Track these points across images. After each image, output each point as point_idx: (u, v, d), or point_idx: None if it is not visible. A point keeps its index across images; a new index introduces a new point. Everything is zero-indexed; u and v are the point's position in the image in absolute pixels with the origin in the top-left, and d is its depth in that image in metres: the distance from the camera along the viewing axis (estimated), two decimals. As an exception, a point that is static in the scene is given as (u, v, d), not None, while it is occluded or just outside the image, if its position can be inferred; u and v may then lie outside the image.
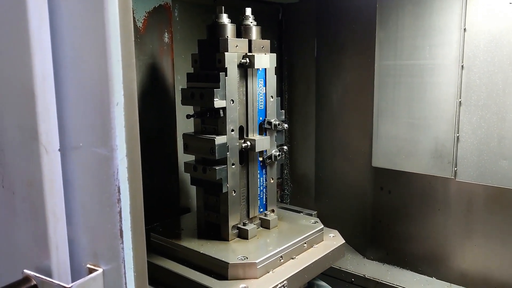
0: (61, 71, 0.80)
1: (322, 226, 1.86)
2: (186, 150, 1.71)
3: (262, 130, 1.80)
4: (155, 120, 2.02)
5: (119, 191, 0.78)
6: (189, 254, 1.62)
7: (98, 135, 0.78)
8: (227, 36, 1.66)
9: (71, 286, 0.78)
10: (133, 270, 0.81)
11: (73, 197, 0.84)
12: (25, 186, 0.88)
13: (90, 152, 0.80)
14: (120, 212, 0.78)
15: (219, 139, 1.61)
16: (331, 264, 1.81)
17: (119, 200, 0.78)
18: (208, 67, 1.66)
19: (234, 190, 1.70)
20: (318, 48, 2.52)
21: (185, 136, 1.72)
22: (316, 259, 1.70)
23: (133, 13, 1.87)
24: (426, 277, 2.13)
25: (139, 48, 1.91)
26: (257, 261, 1.52)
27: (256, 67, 1.68)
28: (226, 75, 1.61)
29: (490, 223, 1.94)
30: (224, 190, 1.66)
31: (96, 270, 0.82)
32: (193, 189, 2.24)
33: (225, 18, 1.68)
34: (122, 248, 0.79)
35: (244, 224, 1.74)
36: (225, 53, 1.61)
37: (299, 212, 2.08)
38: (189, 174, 1.77)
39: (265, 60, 1.71)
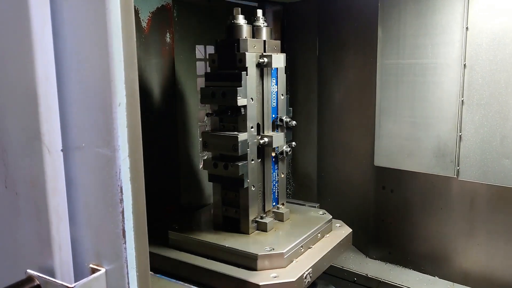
0: (64, 71, 0.80)
1: (331, 216, 1.95)
2: (205, 147, 1.75)
3: (274, 127, 1.86)
4: (156, 120, 2.03)
5: (121, 191, 0.78)
6: (214, 248, 1.66)
7: (101, 135, 0.78)
8: (245, 37, 1.73)
9: (74, 286, 0.78)
10: (136, 270, 0.81)
11: (76, 197, 0.84)
12: (28, 186, 0.89)
13: (93, 152, 0.80)
14: (122, 212, 0.79)
15: (242, 136, 1.67)
16: (342, 253, 1.91)
17: (121, 200, 0.78)
18: (227, 66, 1.72)
19: (253, 185, 1.77)
20: (320, 47, 2.52)
21: (204, 134, 1.76)
22: (332, 247, 1.80)
23: (138, 13, 1.88)
24: (429, 276, 2.13)
25: (144, 48, 1.92)
26: (284, 251, 1.60)
27: (273, 66, 1.76)
28: (247, 74, 1.67)
29: (493, 222, 1.93)
30: (245, 186, 1.72)
31: (98, 270, 0.82)
32: (194, 187, 2.24)
33: (241, 19, 1.75)
34: (125, 248, 0.80)
35: (262, 218, 1.82)
36: (246, 53, 1.68)
37: (302, 205, 2.15)
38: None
39: (280, 60, 1.80)
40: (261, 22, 1.82)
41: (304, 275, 1.59)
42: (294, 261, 1.65)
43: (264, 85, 1.78)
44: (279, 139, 1.83)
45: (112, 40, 0.74)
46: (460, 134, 1.91)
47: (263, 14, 1.85)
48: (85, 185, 0.83)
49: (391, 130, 2.12)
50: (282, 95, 1.89)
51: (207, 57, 2.20)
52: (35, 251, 0.89)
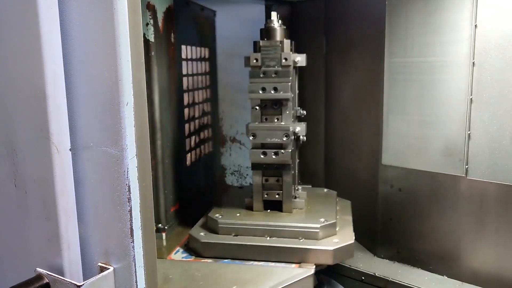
0: (72, 72, 0.81)
1: (336, 192, 2.31)
2: (255, 138, 1.92)
3: (295, 118, 2.10)
4: (166, 119, 2.04)
5: (129, 190, 0.79)
6: (272, 228, 1.84)
7: (108, 134, 0.79)
8: (284, 39, 1.97)
9: (83, 284, 0.79)
10: (144, 268, 0.82)
11: (84, 196, 0.85)
12: (37, 185, 0.89)
13: (101, 151, 0.81)
14: (130, 211, 0.79)
15: (291, 126, 1.91)
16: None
17: (129, 199, 0.79)
18: (269, 65, 1.93)
19: (293, 169, 2.01)
20: (327, 45, 2.51)
21: (251, 126, 1.93)
22: (351, 218, 2.11)
23: (156, 13, 1.90)
24: (437, 275, 2.11)
25: (157, 48, 1.93)
26: (335, 221, 1.90)
27: (304, 65, 2.00)
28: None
29: (503, 221, 1.92)
30: (291, 170, 1.96)
31: (107, 269, 0.83)
32: (199, 180, 2.25)
33: (276, 22, 1.99)
34: (133, 247, 0.80)
35: (295, 198, 2.05)
36: (289, 52, 1.92)
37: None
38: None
39: (304, 59, 2.02)
40: (280, 23, 2.04)
41: (354, 236, 1.89)
42: (337, 228, 1.91)
43: (296, 81, 2.06)
44: (304, 128, 2.06)
45: (120, 40, 0.75)
46: (468, 132, 1.90)
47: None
48: (93, 184, 0.84)
49: (399, 129, 2.11)
50: (297, 89, 2.15)
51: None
52: (44, 249, 0.90)
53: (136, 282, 0.81)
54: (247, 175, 2.87)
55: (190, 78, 2.27)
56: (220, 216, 1.90)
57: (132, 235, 0.80)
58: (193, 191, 2.35)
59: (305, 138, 2.08)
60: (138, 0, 0.78)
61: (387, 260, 2.27)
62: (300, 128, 2.02)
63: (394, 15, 2.06)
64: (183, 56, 2.20)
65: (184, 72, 2.21)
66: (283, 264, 1.75)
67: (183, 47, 2.19)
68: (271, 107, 1.94)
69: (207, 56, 2.54)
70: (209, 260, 1.76)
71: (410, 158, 2.09)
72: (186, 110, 2.23)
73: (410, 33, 2.02)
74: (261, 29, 2.00)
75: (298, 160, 2.20)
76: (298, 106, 2.14)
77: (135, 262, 0.81)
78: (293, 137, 1.95)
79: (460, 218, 2.03)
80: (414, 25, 2.00)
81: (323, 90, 2.53)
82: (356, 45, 2.34)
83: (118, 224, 0.81)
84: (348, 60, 2.39)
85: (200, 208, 2.16)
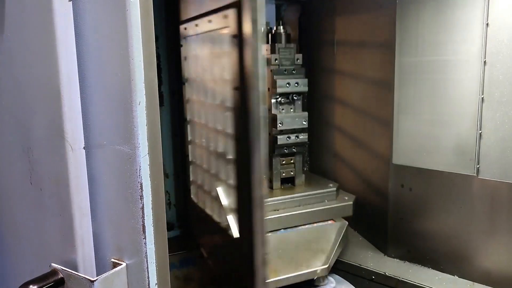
0: (86, 72, 0.83)
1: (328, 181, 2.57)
2: (282, 125, 2.24)
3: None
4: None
5: (141, 188, 0.80)
6: (301, 198, 2.23)
7: (121, 133, 0.80)
8: (289, 43, 2.31)
9: (96, 280, 0.81)
10: (155, 264, 0.83)
11: (98, 194, 0.87)
12: (52, 182, 0.91)
13: (114, 150, 0.82)
14: (142, 208, 0.80)
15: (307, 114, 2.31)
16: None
17: (141, 196, 0.80)
18: (285, 64, 2.27)
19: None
20: (337, 44, 2.51)
21: (277, 116, 2.23)
22: (338, 184, 2.44)
23: None
24: (448, 275, 2.10)
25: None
26: (338, 185, 2.38)
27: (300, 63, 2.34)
28: None
29: (514, 221, 1.90)
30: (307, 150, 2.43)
31: (120, 264, 0.85)
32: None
33: (282, 29, 2.31)
34: (145, 243, 0.82)
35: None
36: (301, 54, 2.29)
37: None
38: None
39: (300, 59, 2.35)
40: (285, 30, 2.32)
41: (353, 196, 2.35)
42: (340, 190, 2.39)
43: None
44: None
45: (132, 41, 0.76)
46: (480, 132, 1.89)
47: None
48: (106, 181, 0.85)
49: (410, 128, 2.11)
50: None
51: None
52: (59, 245, 0.92)
53: (148, 278, 0.83)
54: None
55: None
56: None
57: (144, 232, 0.81)
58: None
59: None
60: (150, 1, 0.80)
61: (397, 260, 2.26)
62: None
63: (405, 14, 2.05)
64: None
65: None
66: (321, 223, 2.17)
67: None
68: (286, 99, 2.27)
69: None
70: (269, 234, 2.04)
71: (421, 158, 2.09)
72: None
73: (421, 32, 2.01)
74: (271, 33, 2.31)
75: None
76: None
77: (147, 258, 0.82)
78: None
79: (471, 217, 2.02)
80: (425, 23, 1.99)
81: (333, 89, 2.53)
82: (367, 44, 2.33)
83: (130, 221, 0.82)
84: (358, 59, 2.39)
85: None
